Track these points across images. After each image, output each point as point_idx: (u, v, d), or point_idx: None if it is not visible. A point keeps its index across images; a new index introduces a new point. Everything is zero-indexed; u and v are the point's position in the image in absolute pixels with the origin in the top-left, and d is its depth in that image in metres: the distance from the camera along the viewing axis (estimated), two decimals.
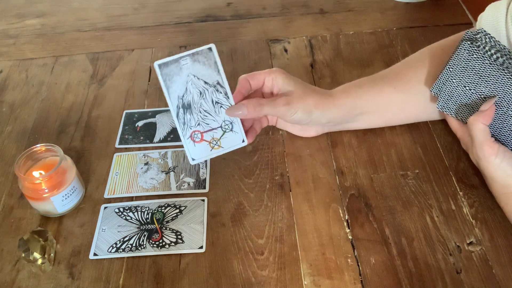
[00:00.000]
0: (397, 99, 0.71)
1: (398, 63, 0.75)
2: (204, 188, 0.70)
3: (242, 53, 0.91)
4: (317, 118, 0.68)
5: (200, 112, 0.63)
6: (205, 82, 0.63)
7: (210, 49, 0.62)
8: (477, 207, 0.66)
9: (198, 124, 0.64)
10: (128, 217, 0.68)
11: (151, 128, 0.79)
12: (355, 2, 1.01)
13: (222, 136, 0.64)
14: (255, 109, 0.63)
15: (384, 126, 0.75)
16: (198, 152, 0.64)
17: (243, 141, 0.65)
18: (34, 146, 0.69)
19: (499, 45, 0.62)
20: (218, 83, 0.63)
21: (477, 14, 0.69)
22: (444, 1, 0.98)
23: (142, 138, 0.78)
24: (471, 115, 0.62)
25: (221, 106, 0.64)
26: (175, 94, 0.62)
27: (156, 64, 0.61)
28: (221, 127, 0.64)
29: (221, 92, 0.63)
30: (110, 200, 0.70)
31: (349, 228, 0.65)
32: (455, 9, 0.96)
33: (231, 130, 0.65)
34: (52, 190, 0.66)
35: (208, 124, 0.64)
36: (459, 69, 0.64)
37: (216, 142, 0.64)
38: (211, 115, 0.64)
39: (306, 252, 0.63)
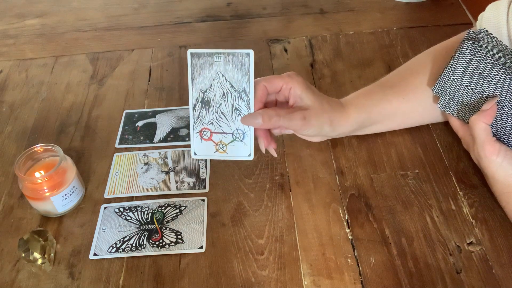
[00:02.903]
0: (405, 109, 0.71)
1: (404, 67, 0.74)
2: (204, 188, 0.70)
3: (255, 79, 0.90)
4: (328, 133, 0.67)
5: (217, 112, 0.61)
6: (231, 85, 0.61)
7: (247, 54, 0.59)
8: (477, 207, 0.66)
9: (211, 123, 0.62)
10: (128, 217, 0.68)
11: (151, 128, 0.79)
12: (355, 2, 1.01)
13: (230, 142, 0.63)
14: (270, 120, 0.60)
15: (387, 131, 0.75)
16: (202, 149, 0.63)
17: (249, 155, 0.63)
18: (34, 146, 0.69)
19: (501, 44, 0.62)
20: (244, 90, 0.60)
21: (477, 14, 0.69)
22: (444, 1, 0.98)
23: (142, 138, 0.78)
24: (472, 114, 0.62)
25: (239, 114, 0.61)
26: (198, 87, 0.61)
27: (189, 51, 0.59)
28: (232, 134, 0.62)
29: (243, 100, 0.61)
30: (110, 200, 0.70)
31: (349, 228, 0.65)
32: (455, 9, 0.96)
33: (241, 140, 0.62)
34: (52, 190, 0.66)
35: (220, 126, 0.62)
36: (461, 68, 0.64)
37: (222, 147, 0.63)
38: (227, 119, 0.62)
39: (306, 252, 0.63)
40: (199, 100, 0.61)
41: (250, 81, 0.60)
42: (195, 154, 0.63)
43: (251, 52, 0.59)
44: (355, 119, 0.68)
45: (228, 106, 0.61)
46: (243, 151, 0.63)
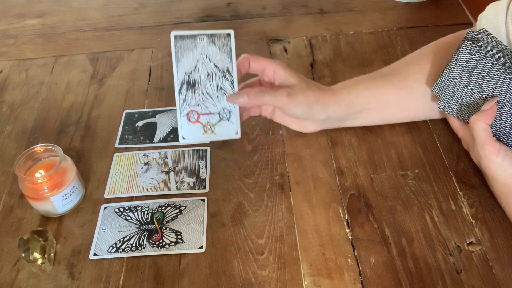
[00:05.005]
0: (396, 96, 0.71)
1: (399, 60, 0.75)
2: (204, 188, 0.70)
3: (242, 53, 0.91)
4: (317, 113, 0.68)
5: (203, 93, 0.63)
6: (215, 66, 0.62)
7: (229, 35, 0.62)
8: (477, 207, 0.66)
9: (198, 104, 0.63)
10: (128, 217, 0.68)
11: (151, 128, 0.79)
12: (355, 2, 1.01)
13: (217, 122, 0.64)
14: (256, 97, 0.63)
15: (382, 124, 0.75)
16: (190, 132, 0.64)
17: (237, 133, 0.65)
18: (34, 146, 0.69)
19: (501, 45, 0.62)
20: (227, 70, 0.63)
21: (477, 14, 0.69)
22: (444, 1, 0.98)
23: (142, 138, 0.78)
24: (472, 115, 0.62)
25: (224, 93, 0.63)
26: (183, 69, 0.62)
27: (173, 34, 0.60)
28: (219, 113, 0.64)
29: (228, 80, 0.63)
30: (110, 200, 0.70)
31: (349, 228, 0.65)
32: (455, 9, 0.96)
33: (228, 119, 0.64)
34: (52, 190, 0.66)
35: (207, 107, 0.64)
36: (461, 68, 0.64)
37: (210, 127, 0.64)
38: (212, 99, 0.63)
39: (306, 252, 0.63)
40: (185, 83, 0.62)
41: (232, 60, 0.63)
42: (183, 138, 0.64)
43: (232, 32, 0.62)
44: (344, 99, 0.69)
45: (213, 86, 0.63)
46: (231, 130, 0.65)
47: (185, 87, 0.63)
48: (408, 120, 0.75)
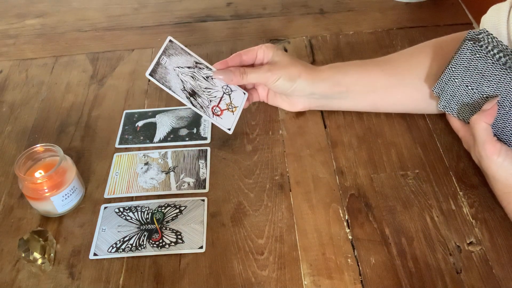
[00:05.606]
0: (385, 82, 0.72)
1: (395, 53, 0.76)
2: (204, 188, 0.70)
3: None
4: (301, 87, 0.70)
5: (204, 91, 0.68)
6: (188, 67, 0.69)
7: (171, 41, 0.69)
8: (477, 207, 0.66)
9: (210, 101, 0.69)
10: (128, 217, 0.68)
11: (151, 128, 0.79)
12: (355, 2, 1.01)
13: (231, 99, 0.71)
14: (240, 74, 0.68)
15: (372, 111, 0.76)
16: (227, 122, 0.70)
17: (244, 93, 0.73)
18: (34, 146, 0.69)
19: (502, 45, 0.62)
20: (196, 62, 0.70)
21: (477, 14, 0.69)
22: (444, 1, 0.98)
23: (142, 138, 0.78)
24: (473, 114, 0.62)
25: (212, 78, 0.70)
26: (178, 89, 0.67)
27: (147, 75, 0.65)
28: (224, 93, 0.70)
29: (203, 68, 0.70)
30: (110, 200, 0.70)
31: (349, 228, 0.65)
32: (455, 9, 0.96)
33: (232, 91, 0.71)
34: (52, 190, 0.66)
35: (215, 96, 0.69)
36: (461, 68, 0.64)
37: (231, 106, 0.70)
38: (212, 88, 0.69)
39: (306, 252, 0.63)
40: (189, 96, 0.67)
41: (191, 54, 0.70)
42: (229, 129, 0.70)
43: (169, 37, 0.69)
44: (328, 76, 0.72)
45: (202, 81, 0.69)
46: (240, 95, 0.72)
47: (192, 99, 0.67)
48: (399, 111, 0.76)
